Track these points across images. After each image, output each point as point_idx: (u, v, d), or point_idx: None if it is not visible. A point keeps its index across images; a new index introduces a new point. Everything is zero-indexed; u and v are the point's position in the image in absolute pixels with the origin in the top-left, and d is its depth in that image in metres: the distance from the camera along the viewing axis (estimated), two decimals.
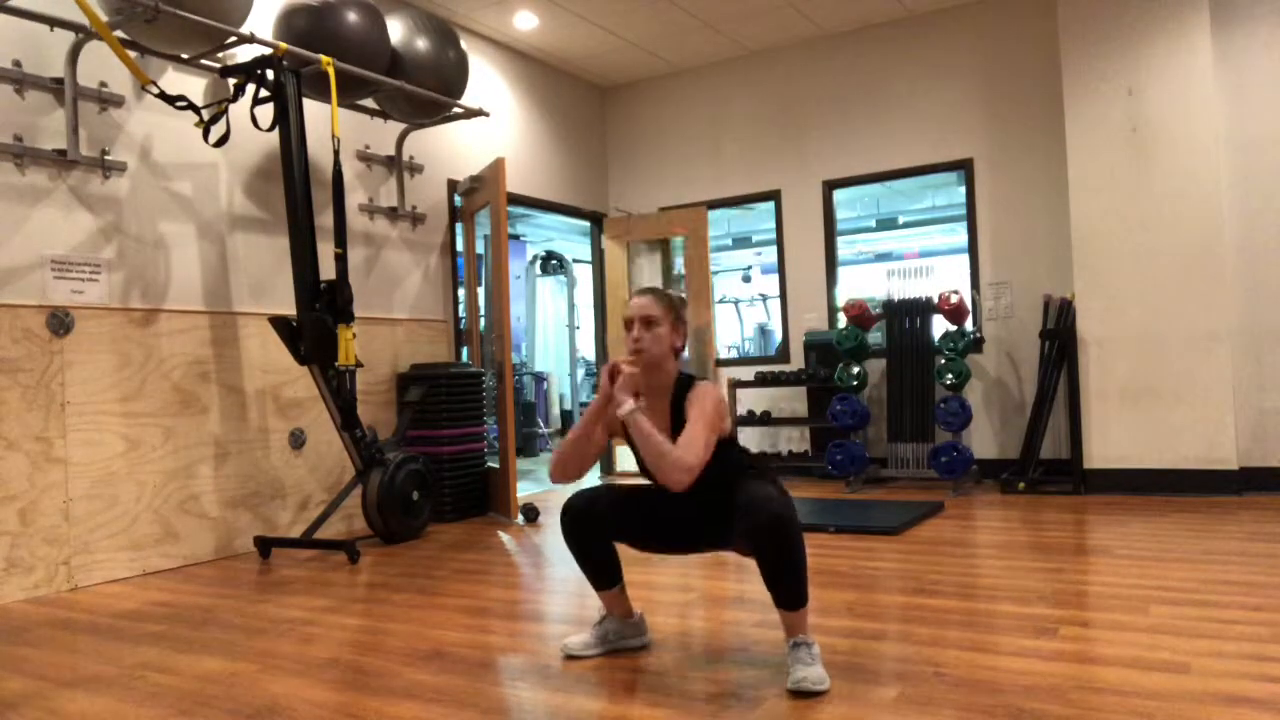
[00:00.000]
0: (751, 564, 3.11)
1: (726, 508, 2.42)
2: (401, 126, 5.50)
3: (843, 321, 6.23)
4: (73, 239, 3.94)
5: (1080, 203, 5.38)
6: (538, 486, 6.87)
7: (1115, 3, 5.26)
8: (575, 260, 11.12)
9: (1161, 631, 2.62)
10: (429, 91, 5.01)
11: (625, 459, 6.67)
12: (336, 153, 4.43)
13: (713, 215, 7.10)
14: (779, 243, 6.96)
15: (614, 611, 2.67)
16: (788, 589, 2.34)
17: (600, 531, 2.60)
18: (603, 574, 2.63)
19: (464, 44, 5.32)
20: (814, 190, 6.77)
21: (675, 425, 2.48)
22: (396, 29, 4.97)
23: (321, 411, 4.79)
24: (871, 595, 3.20)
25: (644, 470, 2.52)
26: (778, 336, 7.66)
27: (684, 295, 2.63)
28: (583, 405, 11.21)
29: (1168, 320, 5.14)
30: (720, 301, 13.44)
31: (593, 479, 6.88)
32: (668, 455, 2.31)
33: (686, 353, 2.60)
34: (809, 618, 2.41)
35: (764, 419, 6.62)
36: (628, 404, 2.37)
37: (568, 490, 6.64)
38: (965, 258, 6.29)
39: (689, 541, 2.66)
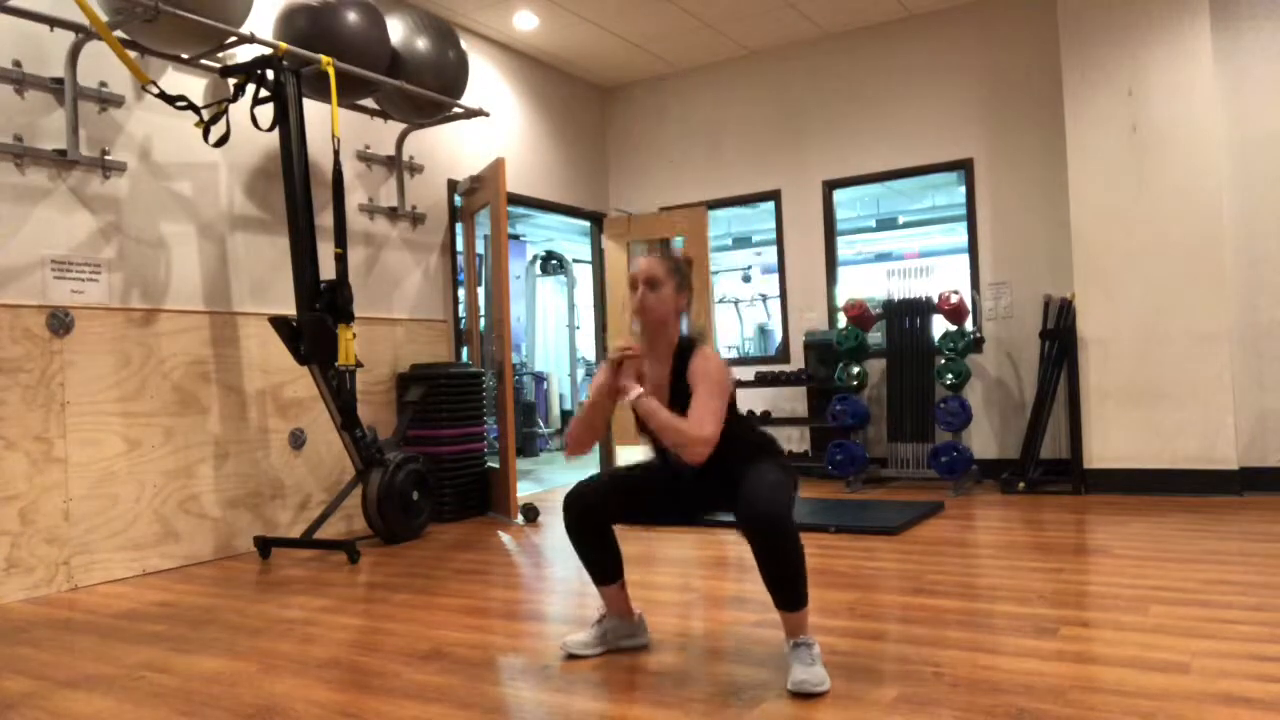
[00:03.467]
0: (751, 563, 3.12)
1: (730, 481, 2.44)
2: (401, 126, 5.50)
3: (843, 321, 6.23)
4: (73, 239, 3.94)
5: (1080, 203, 5.38)
6: (538, 486, 6.88)
7: (1115, 3, 5.26)
8: (575, 260, 11.11)
9: (1161, 631, 2.62)
10: (429, 91, 5.01)
11: (623, 455, 6.67)
12: (336, 153, 4.43)
13: (713, 215, 7.10)
14: (779, 243, 6.96)
15: (614, 609, 2.66)
16: (785, 590, 2.35)
17: (597, 519, 2.60)
18: (603, 568, 2.63)
19: (464, 44, 5.32)
20: (814, 190, 6.77)
21: (676, 389, 2.51)
22: (396, 29, 4.97)
23: (321, 411, 4.79)
24: (871, 595, 3.20)
25: (650, 441, 2.59)
26: (778, 336, 7.65)
27: (690, 259, 2.65)
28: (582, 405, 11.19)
29: (1168, 320, 5.14)
30: (720, 301, 13.44)
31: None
32: (685, 431, 2.35)
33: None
34: (810, 618, 2.41)
35: (764, 419, 6.62)
36: (634, 390, 2.43)
37: (569, 490, 6.65)
38: (965, 258, 6.28)
39: (690, 512, 2.70)
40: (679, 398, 2.49)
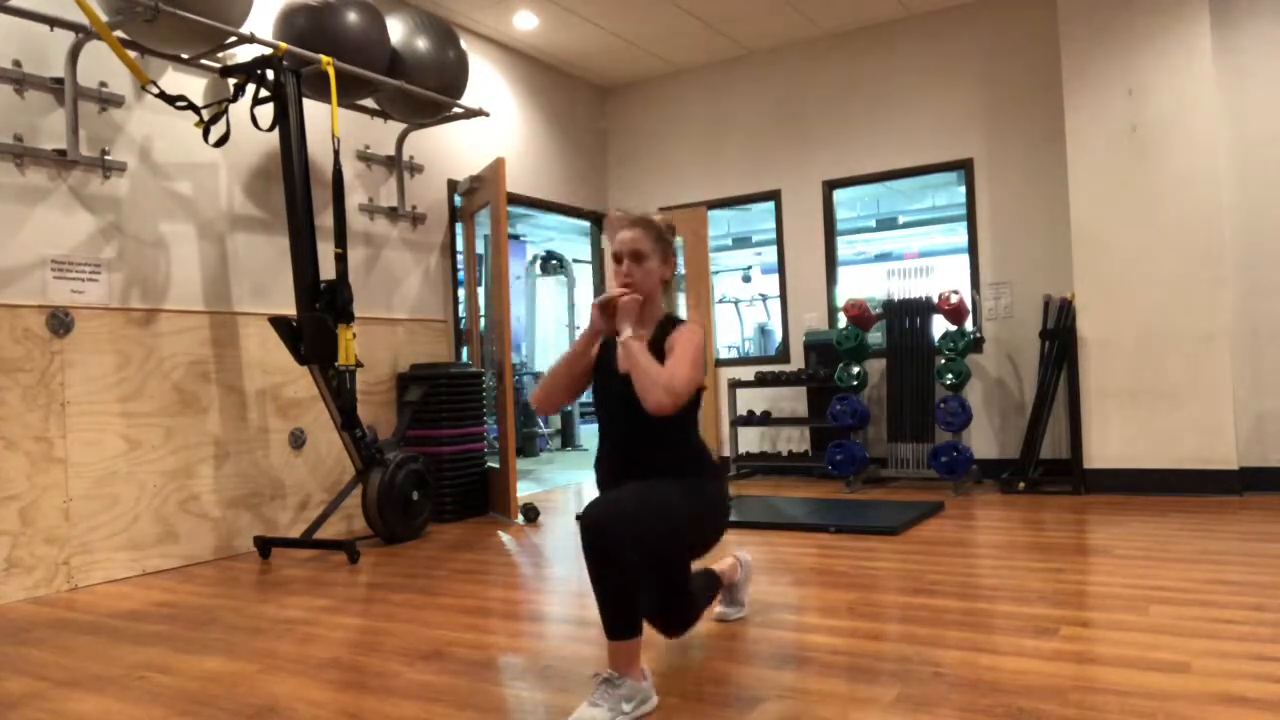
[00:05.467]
0: (752, 564, 3.12)
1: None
2: (401, 126, 5.50)
3: (843, 321, 6.23)
4: (73, 239, 3.94)
5: (1080, 203, 5.38)
6: (538, 486, 6.88)
7: (1115, 3, 5.26)
8: (575, 260, 11.12)
9: (1161, 631, 2.62)
10: (429, 91, 5.01)
11: None
12: (336, 153, 4.43)
13: (713, 215, 7.10)
14: (779, 243, 6.96)
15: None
16: (601, 609, 2.16)
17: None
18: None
19: (464, 44, 5.32)
20: (814, 190, 6.77)
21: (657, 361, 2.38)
22: (396, 29, 4.97)
23: (321, 411, 4.79)
24: (871, 595, 3.20)
25: (601, 411, 2.48)
26: (778, 336, 7.65)
27: (672, 223, 2.49)
28: (583, 405, 11.20)
29: (1168, 320, 5.14)
30: (720, 301, 13.45)
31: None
32: (656, 375, 2.24)
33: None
34: (809, 618, 2.39)
35: (764, 419, 6.62)
36: (628, 330, 2.31)
37: (569, 490, 6.64)
38: (965, 258, 6.29)
39: None
40: None
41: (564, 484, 7.03)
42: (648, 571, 2.30)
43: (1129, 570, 3.40)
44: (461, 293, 6.32)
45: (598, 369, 2.50)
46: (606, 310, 2.38)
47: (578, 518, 2.18)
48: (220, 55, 4.42)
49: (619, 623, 2.15)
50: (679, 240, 7.17)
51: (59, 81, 3.88)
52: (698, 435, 2.49)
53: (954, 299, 5.70)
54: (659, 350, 2.35)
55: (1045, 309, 5.61)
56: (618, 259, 2.45)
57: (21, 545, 3.68)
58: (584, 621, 3.04)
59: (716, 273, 11.68)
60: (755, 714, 2.15)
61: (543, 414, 2.51)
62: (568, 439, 10.35)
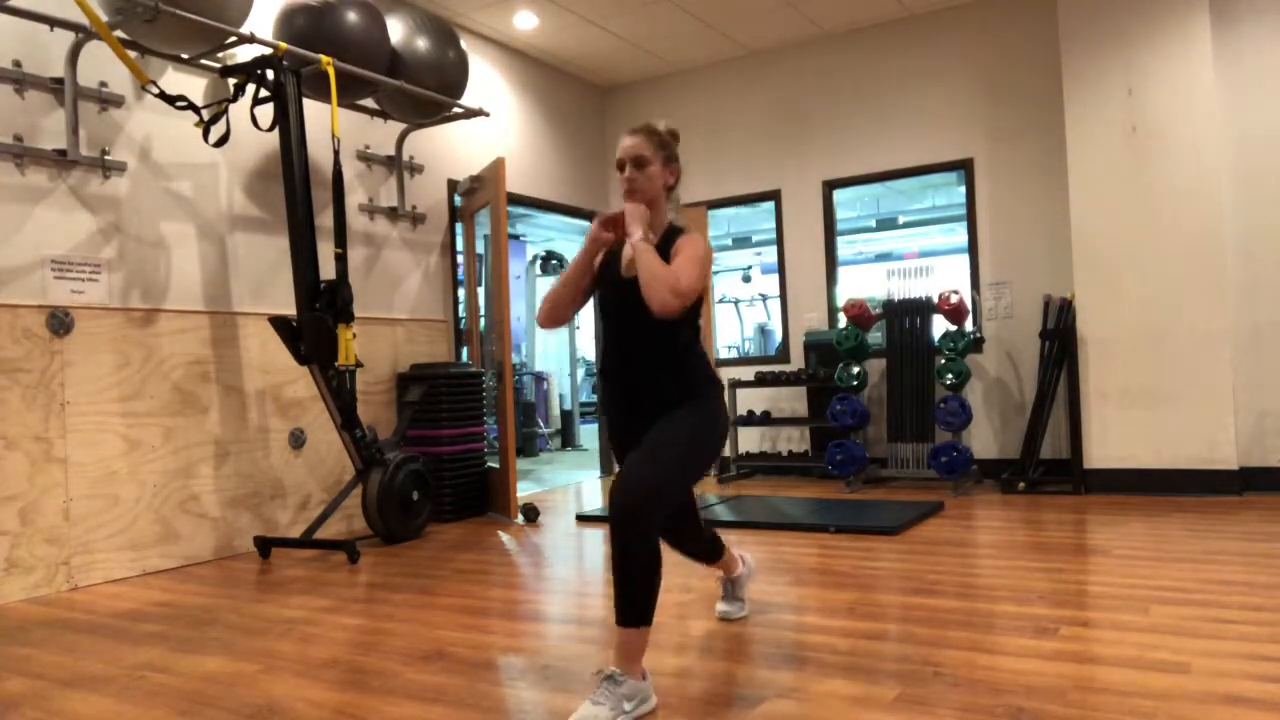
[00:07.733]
0: (753, 564, 3.13)
1: (655, 419, 2.33)
2: (401, 126, 5.50)
3: (843, 321, 6.23)
4: (73, 239, 3.94)
5: (1080, 203, 5.38)
6: (538, 486, 6.88)
7: (1115, 2, 5.26)
8: None
9: (1161, 631, 2.62)
10: (429, 91, 5.01)
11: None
12: (336, 153, 4.43)
13: (713, 215, 7.10)
14: (779, 243, 6.96)
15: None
16: (619, 595, 2.16)
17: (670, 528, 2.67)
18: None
19: (464, 44, 5.32)
20: (814, 190, 6.77)
21: None
22: (396, 29, 4.97)
23: (321, 411, 4.79)
24: (871, 595, 3.20)
25: (605, 323, 2.48)
26: (778, 336, 7.65)
27: (675, 130, 2.50)
28: (583, 404, 11.21)
29: (1168, 320, 5.14)
30: (720, 301, 13.44)
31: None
32: (663, 276, 2.21)
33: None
34: (808, 619, 2.40)
35: (764, 419, 6.62)
36: (637, 232, 2.29)
37: (569, 490, 6.64)
38: (965, 258, 6.29)
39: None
40: None
41: (564, 484, 7.03)
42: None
43: (1129, 570, 3.40)
44: (461, 293, 6.32)
45: (601, 281, 2.50)
46: (611, 224, 2.37)
47: (610, 500, 2.17)
48: (220, 55, 4.42)
49: (633, 609, 2.15)
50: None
51: (59, 81, 3.88)
52: (700, 348, 2.48)
53: (954, 299, 5.70)
54: (663, 256, 2.34)
55: (1045, 309, 5.61)
56: (620, 166, 2.44)
57: (21, 545, 3.68)
58: (584, 621, 3.05)
59: (717, 273, 11.68)
60: (755, 714, 2.15)
61: (548, 328, 2.53)
62: (568, 439, 10.34)
